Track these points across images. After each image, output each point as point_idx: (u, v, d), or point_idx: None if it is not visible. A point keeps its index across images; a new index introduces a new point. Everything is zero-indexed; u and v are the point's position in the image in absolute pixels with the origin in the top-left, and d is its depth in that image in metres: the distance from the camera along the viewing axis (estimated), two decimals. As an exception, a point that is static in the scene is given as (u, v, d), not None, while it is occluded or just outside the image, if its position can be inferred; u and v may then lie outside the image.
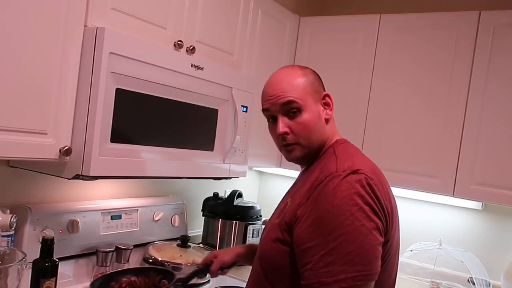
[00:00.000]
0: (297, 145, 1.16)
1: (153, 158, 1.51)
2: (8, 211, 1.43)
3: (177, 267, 1.76)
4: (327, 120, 1.18)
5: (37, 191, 1.61)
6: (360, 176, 1.03)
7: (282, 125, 1.14)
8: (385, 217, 1.04)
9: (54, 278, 1.34)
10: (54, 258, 1.36)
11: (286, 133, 1.15)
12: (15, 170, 1.51)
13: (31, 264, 1.37)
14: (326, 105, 1.19)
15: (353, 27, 2.28)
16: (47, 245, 1.32)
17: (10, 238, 1.43)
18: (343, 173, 1.03)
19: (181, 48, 1.63)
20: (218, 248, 2.12)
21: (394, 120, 2.15)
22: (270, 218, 1.23)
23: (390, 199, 1.11)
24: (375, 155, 1.28)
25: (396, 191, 1.19)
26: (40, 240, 1.38)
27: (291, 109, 1.13)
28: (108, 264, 1.68)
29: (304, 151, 1.16)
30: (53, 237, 1.36)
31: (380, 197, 1.03)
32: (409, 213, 2.38)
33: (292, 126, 1.14)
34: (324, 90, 1.21)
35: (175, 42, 1.62)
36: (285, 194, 1.26)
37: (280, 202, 1.24)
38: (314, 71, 1.22)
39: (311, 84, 1.17)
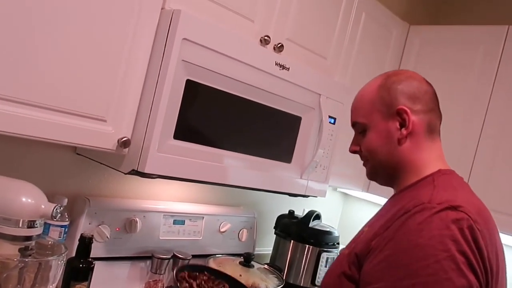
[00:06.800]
0: (367, 162, 1.07)
1: (221, 162, 1.34)
2: (66, 199, 1.36)
3: (234, 287, 1.57)
4: (399, 140, 0.98)
5: (99, 183, 1.52)
6: (460, 214, 0.81)
7: (352, 144, 1.10)
8: (485, 275, 0.80)
9: (87, 282, 1.21)
10: (90, 259, 1.23)
11: (355, 151, 1.09)
12: (81, 159, 1.44)
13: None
14: (401, 122, 0.98)
15: (472, 39, 1.96)
16: (84, 244, 1.19)
17: (63, 228, 1.36)
18: (437, 205, 0.82)
19: (267, 44, 1.46)
20: (286, 273, 1.89)
21: (514, 152, 1.78)
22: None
23: (497, 251, 0.87)
24: (481, 191, 1.05)
25: (504, 238, 0.94)
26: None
27: (359, 129, 1.07)
28: (162, 272, 1.54)
29: (374, 169, 1.06)
30: (92, 235, 1.23)
31: (483, 247, 0.80)
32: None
33: (361, 144, 1.06)
34: (418, 102, 0.98)
35: (261, 37, 1.45)
36: (366, 222, 1.06)
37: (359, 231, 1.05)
38: (411, 79, 1.02)
39: (382, 97, 1.00)
